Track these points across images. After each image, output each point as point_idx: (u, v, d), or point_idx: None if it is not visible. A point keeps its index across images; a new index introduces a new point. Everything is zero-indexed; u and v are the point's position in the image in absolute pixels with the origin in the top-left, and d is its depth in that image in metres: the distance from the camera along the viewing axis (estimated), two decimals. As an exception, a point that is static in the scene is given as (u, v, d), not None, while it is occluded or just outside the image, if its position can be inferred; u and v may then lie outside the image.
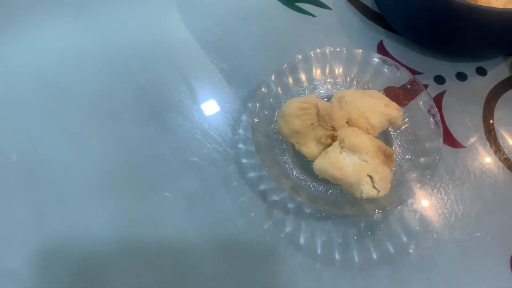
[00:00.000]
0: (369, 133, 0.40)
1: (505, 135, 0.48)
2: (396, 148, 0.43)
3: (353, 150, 0.37)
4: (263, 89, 0.43)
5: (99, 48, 0.54)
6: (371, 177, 0.37)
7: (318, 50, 0.45)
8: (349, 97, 0.41)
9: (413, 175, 0.40)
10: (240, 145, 0.47)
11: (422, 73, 0.52)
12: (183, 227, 0.42)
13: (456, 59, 0.53)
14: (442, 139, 0.40)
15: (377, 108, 0.40)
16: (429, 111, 0.42)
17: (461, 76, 0.52)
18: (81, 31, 0.55)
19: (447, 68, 0.52)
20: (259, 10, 0.57)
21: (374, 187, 0.36)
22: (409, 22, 0.52)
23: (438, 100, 0.50)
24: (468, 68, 0.52)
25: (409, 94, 0.44)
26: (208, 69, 0.52)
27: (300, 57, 0.45)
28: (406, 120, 0.44)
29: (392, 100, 0.43)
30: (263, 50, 0.53)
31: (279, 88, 0.44)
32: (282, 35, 0.55)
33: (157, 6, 0.57)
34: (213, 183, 0.45)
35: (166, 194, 0.44)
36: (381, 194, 0.36)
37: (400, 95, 0.45)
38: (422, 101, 0.43)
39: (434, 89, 0.51)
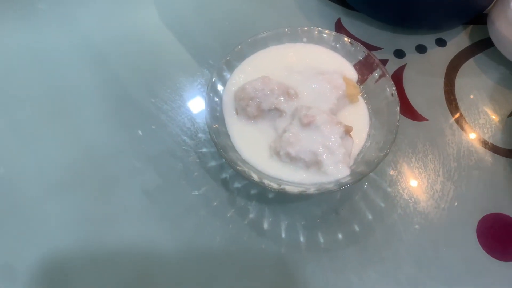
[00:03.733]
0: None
1: (466, 104, 0.47)
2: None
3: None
4: (214, 75, 0.42)
5: (51, 46, 0.52)
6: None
7: (268, 32, 0.44)
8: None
9: (373, 150, 0.39)
10: (200, 134, 0.46)
11: (381, 48, 0.51)
12: (144, 223, 0.41)
13: (415, 32, 0.52)
14: (398, 110, 0.39)
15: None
16: (385, 84, 0.41)
17: (421, 49, 0.51)
18: (31, 29, 0.53)
19: (406, 42, 0.52)
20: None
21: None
22: (364, -3, 0.51)
23: (398, 74, 0.49)
24: (428, 40, 0.52)
25: (365, 69, 0.43)
26: (162, 60, 0.51)
27: (250, 40, 0.43)
28: (364, 96, 0.43)
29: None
30: (218, 36, 0.52)
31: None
32: (238, 19, 0.54)
33: (104, 3, 0.56)
34: (173, 176, 0.43)
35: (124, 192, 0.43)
36: None
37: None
38: (378, 75, 0.42)
39: (394, 63, 0.50)
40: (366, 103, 0.43)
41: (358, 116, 0.42)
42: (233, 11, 0.55)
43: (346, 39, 0.44)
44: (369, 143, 0.40)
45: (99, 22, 0.54)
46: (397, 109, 0.39)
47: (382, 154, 0.38)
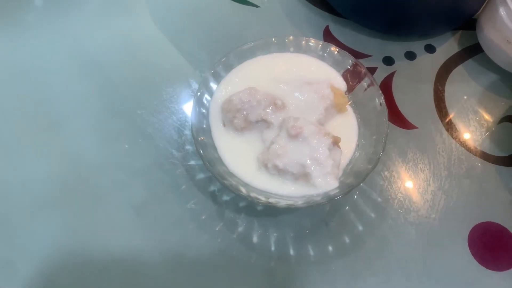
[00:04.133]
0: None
1: (456, 111, 0.47)
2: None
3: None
4: (200, 87, 0.41)
5: (35, 57, 0.51)
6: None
7: (255, 42, 0.44)
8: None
9: (362, 161, 0.39)
10: (188, 147, 0.45)
11: (370, 56, 0.51)
12: (131, 238, 0.41)
13: (404, 39, 0.52)
14: (387, 120, 0.39)
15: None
16: (374, 93, 0.41)
17: (410, 55, 0.51)
18: (16, 40, 0.53)
19: (395, 49, 0.51)
20: (202, 5, 0.55)
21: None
22: (352, 4, 0.50)
23: (388, 82, 0.49)
24: (417, 46, 0.51)
25: (353, 78, 0.43)
26: (149, 71, 0.50)
27: (236, 50, 0.43)
28: (353, 105, 0.43)
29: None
30: (206, 46, 0.52)
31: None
32: (226, 28, 0.53)
33: (88, 13, 0.55)
34: (161, 189, 0.43)
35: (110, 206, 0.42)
36: None
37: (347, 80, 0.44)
38: (366, 84, 0.42)
39: (384, 70, 0.50)
40: (354, 112, 0.42)
41: (347, 126, 0.41)
42: (222, 20, 0.54)
43: (333, 48, 0.43)
44: (358, 154, 0.40)
45: (86, 33, 0.53)
46: (386, 119, 0.39)
47: (371, 165, 0.37)
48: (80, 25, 0.54)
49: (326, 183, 0.37)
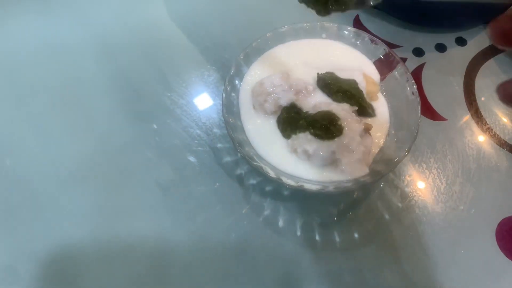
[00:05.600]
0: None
1: (487, 105, 0.46)
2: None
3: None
4: (232, 70, 0.41)
5: (66, 38, 0.52)
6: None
7: (286, 27, 0.44)
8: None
9: (392, 149, 0.39)
10: (215, 130, 0.45)
11: (400, 46, 0.50)
12: (157, 217, 0.41)
13: (435, 30, 0.51)
14: (419, 110, 0.38)
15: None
16: (405, 82, 0.40)
17: (441, 47, 0.50)
18: (46, 22, 0.53)
19: (426, 40, 0.51)
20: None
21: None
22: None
23: (417, 73, 0.48)
24: (448, 38, 0.51)
25: (385, 67, 0.43)
26: (178, 53, 0.50)
27: (268, 35, 0.43)
28: (384, 94, 0.42)
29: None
30: (235, 30, 0.52)
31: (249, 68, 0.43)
32: (255, 13, 0.53)
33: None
34: (188, 170, 0.43)
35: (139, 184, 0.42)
36: None
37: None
38: (398, 73, 0.42)
39: (413, 62, 0.49)
40: (386, 101, 0.42)
41: (378, 114, 0.41)
42: (250, 5, 0.54)
43: (367, 36, 0.43)
44: (388, 142, 0.40)
45: (115, 13, 0.54)
46: (418, 109, 0.39)
47: (402, 153, 0.37)
48: (110, 5, 0.54)
49: (356, 169, 0.37)
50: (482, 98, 0.47)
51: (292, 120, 0.38)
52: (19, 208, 0.41)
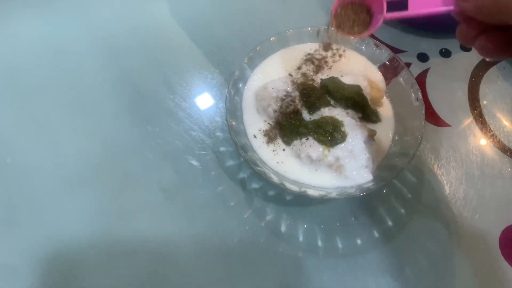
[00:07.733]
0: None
1: (491, 111, 0.46)
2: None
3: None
4: (236, 73, 0.41)
5: (73, 41, 0.52)
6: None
7: (290, 31, 0.43)
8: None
9: (396, 155, 0.38)
10: (218, 133, 0.45)
11: (404, 51, 0.50)
12: (159, 220, 0.41)
13: (440, 36, 0.51)
14: (424, 116, 0.38)
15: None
16: (410, 88, 0.40)
17: (445, 53, 0.50)
18: (53, 24, 0.53)
19: (430, 45, 0.50)
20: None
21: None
22: (389, -1, 0.50)
23: (421, 78, 0.48)
24: (453, 44, 0.51)
25: (390, 72, 0.42)
26: (182, 55, 0.50)
27: (272, 38, 0.43)
28: (389, 99, 0.42)
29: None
30: (239, 34, 0.51)
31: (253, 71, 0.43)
32: (259, 16, 0.53)
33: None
34: (190, 173, 0.43)
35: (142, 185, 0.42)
36: None
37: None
38: (403, 79, 0.41)
39: (418, 67, 0.49)
40: (390, 106, 0.42)
41: (383, 120, 0.41)
42: (254, 9, 0.54)
43: (371, 41, 0.43)
44: (392, 148, 0.39)
45: (119, 15, 0.54)
46: (423, 115, 0.38)
47: (406, 159, 0.37)
48: (113, 6, 0.54)
49: (360, 175, 0.37)
50: (485, 102, 0.46)
51: (292, 127, 0.38)
52: (20, 209, 0.41)
